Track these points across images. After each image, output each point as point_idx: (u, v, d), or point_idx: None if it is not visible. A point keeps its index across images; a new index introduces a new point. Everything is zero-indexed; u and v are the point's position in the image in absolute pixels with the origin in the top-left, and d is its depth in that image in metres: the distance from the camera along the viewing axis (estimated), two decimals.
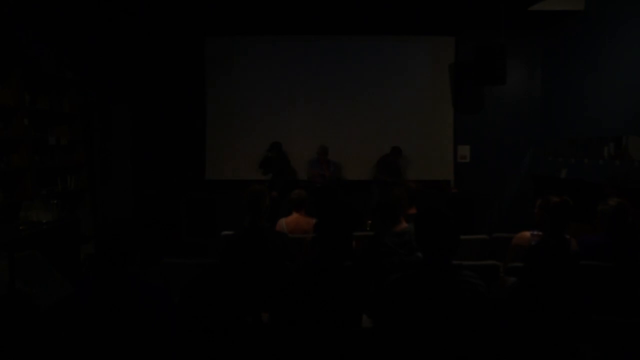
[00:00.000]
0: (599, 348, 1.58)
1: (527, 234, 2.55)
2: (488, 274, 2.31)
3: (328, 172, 5.73)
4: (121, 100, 5.74)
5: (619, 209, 2.45)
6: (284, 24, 6.03)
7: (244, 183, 5.91)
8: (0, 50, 3.96)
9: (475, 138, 6.38)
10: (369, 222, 5.71)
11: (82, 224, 4.45)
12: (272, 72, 6.33)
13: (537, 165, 6.15)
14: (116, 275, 1.57)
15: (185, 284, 1.74)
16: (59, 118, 4.81)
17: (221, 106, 6.36)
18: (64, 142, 4.73)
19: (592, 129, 4.94)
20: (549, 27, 5.93)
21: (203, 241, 5.61)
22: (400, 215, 2.55)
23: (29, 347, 1.88)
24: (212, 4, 5.15)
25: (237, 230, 2.51)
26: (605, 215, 2.48)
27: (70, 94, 4.92)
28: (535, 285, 1.59)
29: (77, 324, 1.50)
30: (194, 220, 6.17)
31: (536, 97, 6.26)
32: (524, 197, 5.82)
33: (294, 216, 3.34)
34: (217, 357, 1.64)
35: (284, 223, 3.30)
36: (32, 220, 3.47)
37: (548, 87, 6.13)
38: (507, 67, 5.65)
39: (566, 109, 5.60)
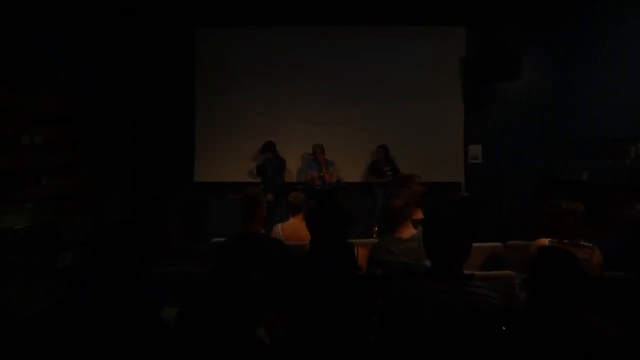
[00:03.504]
0: None
1: (545, 241, 2.56)
2: (502, 286, 2.31)
3: (328, 173, 5.74)
4: (105, 99, 5.73)
5: None
6: (279, 14, 6.04)
7: (235, 185, 6.09)
8: None
9: (488, 137, 6.40)
10: (376, 228, 5.75)
11: (66, 228, 4.44)
12: (266, 67, 6.35)
13: (549, 166, 6.14)
14: (113, 279, 1.60)
15: (179, 311, 1.77)
16: (40, 117, 4.80)
17: (211, 103, 6.39)
18: (38, 141, 4.71)
19: (611, 127, 4.96)
20: (564, 21, 5.96)
21: (193, 247, 5.62)
22: (406, 220, 2.56)
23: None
24: None
25: (229, 237, 2.51)
26: (634, 220, 2.50)
27: (52, 91, 4.91)
28: (543, 299, 1.59)
29: (76, 326, 1.54)
30: (183, 224, 6.18)
31: (553, 93, 6.25)
32: (538, 201, 5.83)
33: (291, 221, 3.34)
34: None
35: (280, 229, 3.30)
36: (4, 226, 3.45)
37: (564, 84, 6.14)
38: (521, 61, 5.68)
39: (586, 106, 5.62)
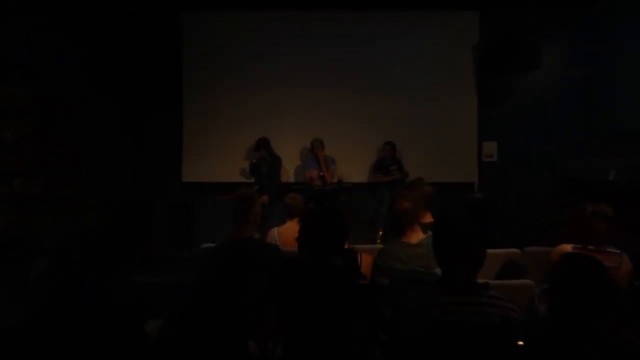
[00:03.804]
0: None
1: (568, 247, 2.55)
2: (520, 296, 2.29)
3: (328, 172, 5.74)
4: (84, 91, 5.71)
5: None
6: None
7: (226, 186, 6.07)
8: None
9: (504, 133, 6.39)
10: (380, 232, 5.74)
11: (40, 234, 4.42)
12: (261, 56, 6.34)
13: (572, 165, 6.12)
14: (91, 290, 1.58)
15: (163, 324, 1.76)
16: (10, 111, 4.77)
17: (200, 96, 6.38)
18: (9, 137, 4.68)
19: None
20: (590, 3, 5.94)
21: (180, 254, 5.60)
22: (414, 223, 2.55)
23: None
24: None
25: (220, 243, 2.50)
26: None
27: (24, 83, 4.88)
28: (566, 311, 1.57)
29: (49, 342, 1.53)
30: (169, 229, 6.17)
31: (577, 86, 6.24)
32: (560, 203, 5.81)
33: (288, 225, 3.33)
34: None
35: (276, 234, 3.30)
36: None
37: (588, 75, 6.13)
38: (541, 50, 5.65)
39: (613, 99, 5.60)
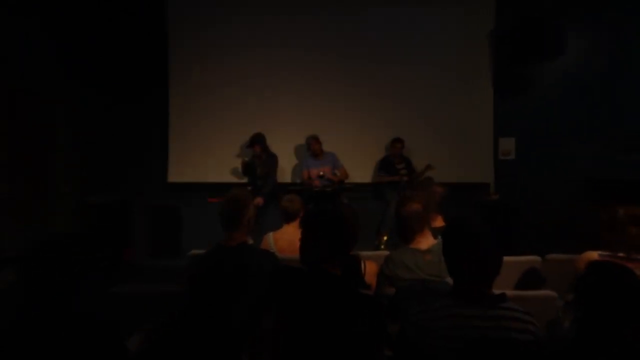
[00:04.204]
0: None
1: (595, 254, 2.55)
2: (541, 309, 2.29)
3: (339, 171, 5.76)
4: (50, 78, 5.66)
5: None
6: None
7: (216, 187, 6.04)
8: None
9: (523, 128, 6.39)
10: (384, 237, 5.74)
11: (3, 241, 4.40)
12: (257, 40, 6.33)
13: (600, 163, 6.11)
14: (62, 303, 1.58)
15: (145, 340, 1.76)
16: None
17: (189, 86, 6.38)
18: None
19: None
20: None
21: (164, 262, 5.59)
22: (424, 227, 2.56)
23: None
24: None
25: (210, 249, 2.50)
26: None
27: None
28: (594, 326, 1.56)
29: None
30: (153, 235, 6.16)
31: (604, 75, 6.23)
32: (586, 206, 5.80)
33: (286, 230, 3.34)
34: None
35: (272, 239, 3.30)
36: None
37: (619, 63, 6.12)
38: (566, 36, 5.63)
39: None
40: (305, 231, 1.91)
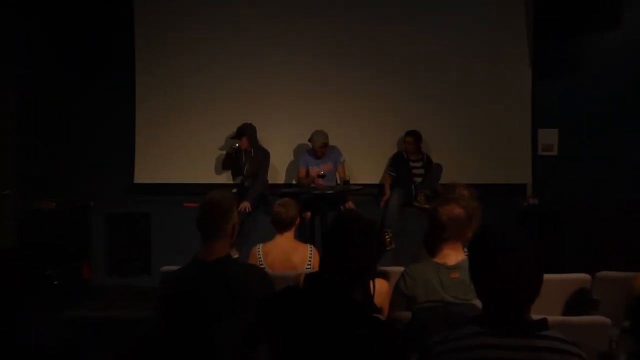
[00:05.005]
0: None
1: None
2: (591, 338, 2.31)
3: (342, 168, 5.80)
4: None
5: None
6: None
7: (194, 188, 6.05)
8: None
9: (568, 118, 6.39)
10: (388, 236, 5.70)
11: None
12: (241, 17, 6.35)
13: None
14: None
15: None
16: None
17: (159, 69, 6.40)
18: None
19: None
20: None
21: (129, 282, 5.59)
22: (460, 239, 2.54)
23: None
24: None
25: (186, 264, 2.51)
26: None
27: None
28: None
29: None
30: (115, 247, 6.15)
31: None
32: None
33: (278, 241, 3.35)
34: None
35: (260, 252, 3.30)
36: None
37: None
38: (622, 4, 5.64)
39: None
40: (334, 245, 1.91)
